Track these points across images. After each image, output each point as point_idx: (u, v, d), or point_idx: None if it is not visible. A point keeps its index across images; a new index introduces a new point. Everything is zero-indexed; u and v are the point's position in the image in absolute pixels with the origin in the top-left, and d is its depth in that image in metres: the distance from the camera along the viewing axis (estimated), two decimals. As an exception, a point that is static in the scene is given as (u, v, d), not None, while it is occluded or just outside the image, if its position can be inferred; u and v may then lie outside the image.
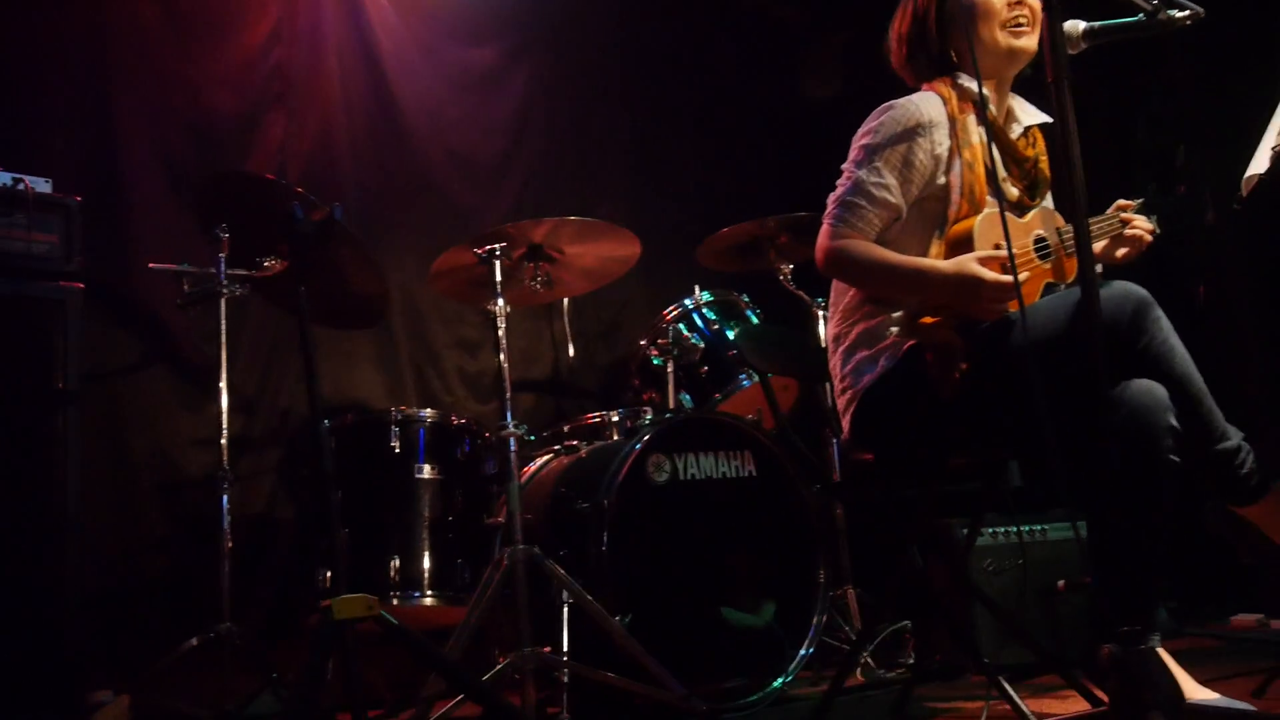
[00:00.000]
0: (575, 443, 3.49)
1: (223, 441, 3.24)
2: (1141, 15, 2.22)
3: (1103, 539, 2.19)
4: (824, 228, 2.54)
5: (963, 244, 2.43)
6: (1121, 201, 2.65)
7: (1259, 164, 2.42)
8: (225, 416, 3.25)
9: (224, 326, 3.25)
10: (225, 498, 3.19)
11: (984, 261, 2.35)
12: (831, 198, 2.58)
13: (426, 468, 3.47)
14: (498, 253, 3.07)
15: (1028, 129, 2.64)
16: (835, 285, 2.66)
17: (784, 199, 4.10)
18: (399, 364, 4.37)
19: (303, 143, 4.26)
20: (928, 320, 2.40)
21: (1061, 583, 3.37)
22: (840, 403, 2.58)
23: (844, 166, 2.60)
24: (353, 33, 4.47)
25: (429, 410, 3.56)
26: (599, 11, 5.14)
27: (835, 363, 2.60)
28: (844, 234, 2.49)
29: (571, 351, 4.29)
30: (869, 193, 2.49)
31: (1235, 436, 2.27)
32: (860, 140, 2.57)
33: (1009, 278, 2.33)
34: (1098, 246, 2.62)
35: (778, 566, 3.23)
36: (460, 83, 4.75)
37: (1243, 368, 4.00)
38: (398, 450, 3.42)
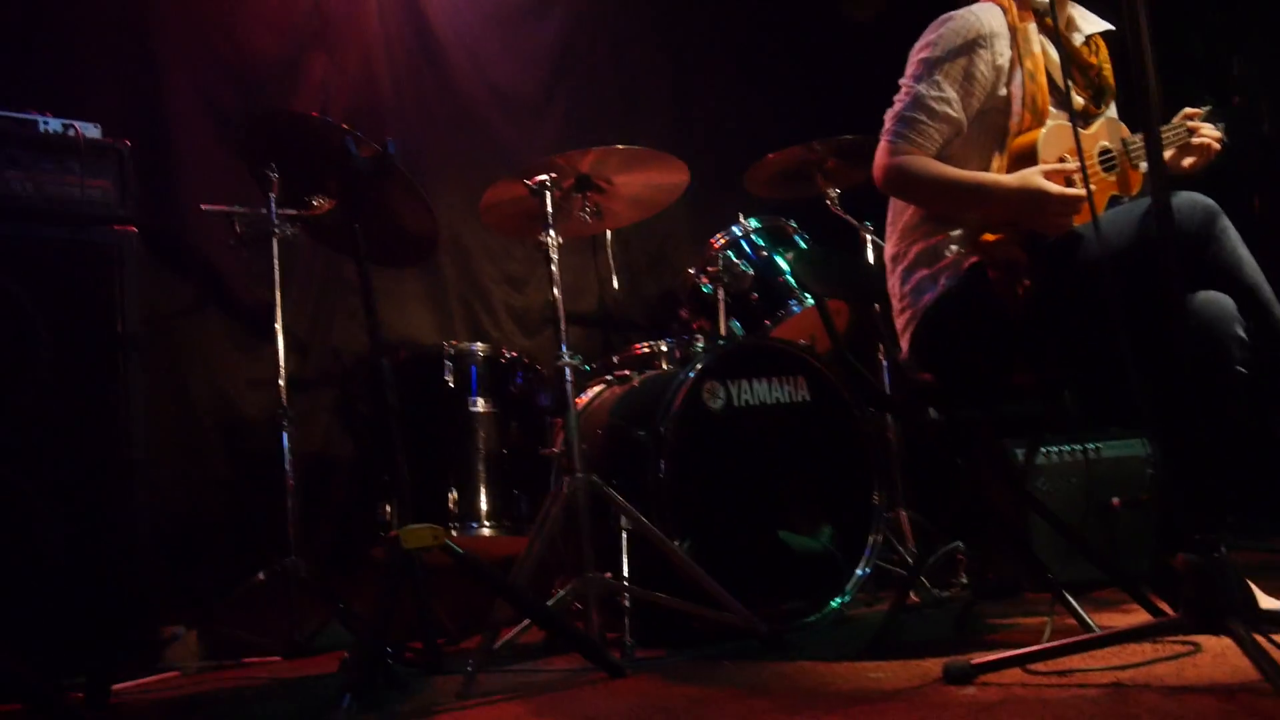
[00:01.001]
0: (627, 373, 3.49)
1: (280, 382, 3.27)
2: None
3: (1174, 450, 2.18)
4: (882, 144, 2.52)
5: (1026, 157, 2.40)
6: (1188, 110, 2.59)
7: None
8: (281, 356, 3.28)
9: (277, 266, 3.27)
10: (285, 436, 3.24)
11: (1049, 175, 2.32)
12: (889, 113, 2.54)
13: (480, 401, 3.50)
14: (548, 184, 3.05)
15: (1089, 37, 2.59)
16: (893, 204, 2.64)
17: (829, 123, 4.06)
18: (447, 300, 4.38)
19: (344, 82, 4.24)
20: (990, 237, 2.38)
21: (1117, 500, 3.36)
22: (899, 323, 2.57)
23: (902, 81, 2.56)
24: (389, -30, 4.42)
25: (481, 345, 3.58)
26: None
27: (894, 282, 2.58)
28: (904, 150, 2.46)
29: (616, 284, 4.28)
30: (929, 107, 2.46)
31: (1305, 344, 2.24)
32: (919, 54, 2.54)
33: (1075, 190, 2.30)
34: (1165, 155, 2.57)
35: (833, 490, 3.24)
36: (499, 16, 4.70)
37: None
38: (452, 385, 3.45)
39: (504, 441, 3.50)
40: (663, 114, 5.03)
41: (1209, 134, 2.56)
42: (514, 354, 3.59)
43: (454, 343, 3.53)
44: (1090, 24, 2.63)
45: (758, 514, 3.11)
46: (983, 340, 2.42)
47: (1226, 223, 2.25)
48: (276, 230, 3.22)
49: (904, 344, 2.56)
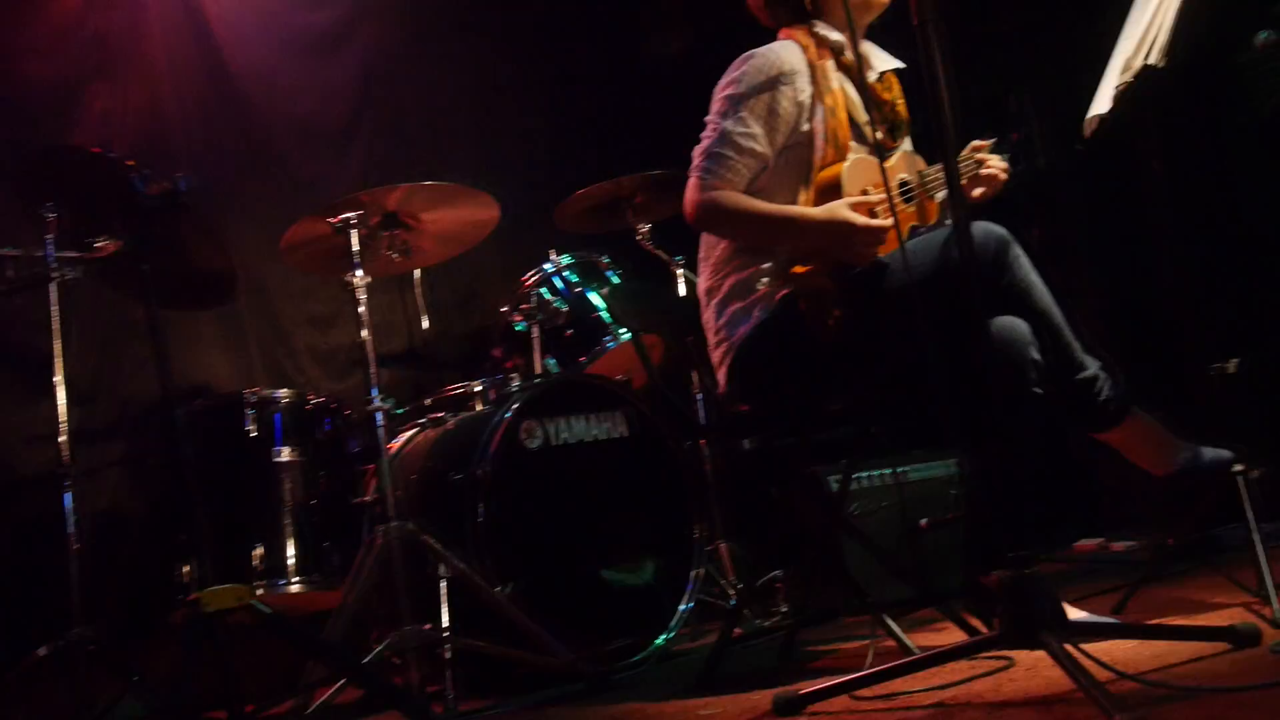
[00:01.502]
0: (441, 415, 3.40)
1: (61, 438, 3.02)
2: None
3: (982, 470, 2.26)
4: (691, 181, 2.53)
5: (831, 190, 2.45)
6: (976, 142, 2.70)
7: (1101, 104, 2.50)
8: (62, 409, 3.04)
9: (56, 313, 3.03)
10: (68, 496, 2.99)
11: (854, 206, 2.38)
12: (697, 150, 2.56)
13: (286, 450, 3.33)
14: (354, 221, 2.94)
15: (883, 74, 2.68)
16: (705, 239, 2.65)
17: (636, 158, 4.08)
18: (247, 345, 4.18)
19: (128, 114, 4.01)
20: (800, 269, 2.42)
21: (925, 521, 3.46)
22: (715, 356, 2.58)
23: (708, 118, 2.59)
24: (177, -2, 4.23)
25: (285, 390, 3.41)
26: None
27: (709, 316, 2.59)
28: (713, 185, 2.48)
29: (426, 324, 4.18)
30: (736, 142, 2.49)
31: (1093, 365, 2.36)
32: (723, 91, 2.57)
33: (879, 221, 2.36)
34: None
35: (655, 525, 3.22)
36: (297, 48, 4.55)
37: (1078, 306, 4.19)
38: (254, 434, 3.27)
39: (312, 491, 3.33)
40: (470, 150, 4.95)
41: (996, 165, 2.66)
42: (320, 399, 3.44)
43: (255, 389, 3.35)
44: (883, 61, 2.71)
45: (581, 553, 3.07)
46: (797, 370, 2.45)
47: (1019, 250, 2.35)
48: (55, 274, 2.98)
49: (721, 377, 2.57)
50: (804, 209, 2.45)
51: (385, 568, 2.73)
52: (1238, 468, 2.33)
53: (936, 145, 1.97)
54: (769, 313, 2.46)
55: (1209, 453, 2.39)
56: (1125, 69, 2.37)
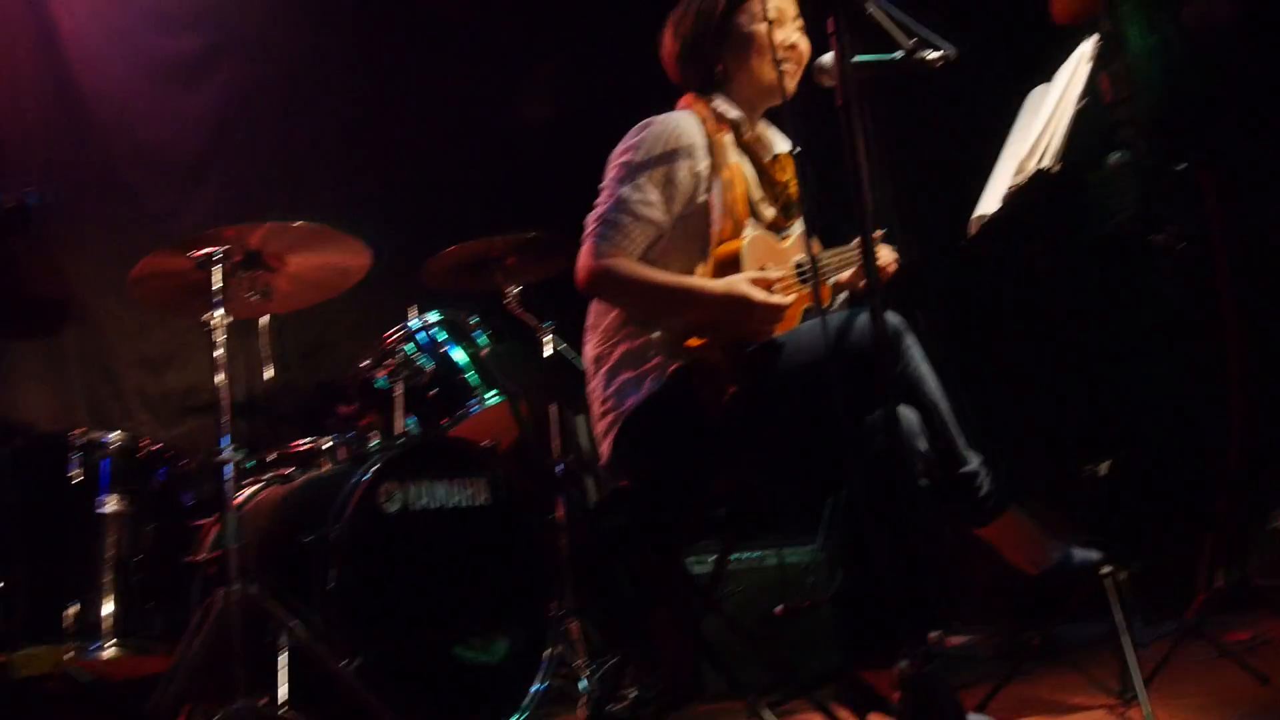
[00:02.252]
0: (287, 471, 3.18)
1: None
2: (900, 53, 2.28)
3: (861, 559, 2.23)
4: (585, 246, 2.45)
5: (730, 264, 2.41)
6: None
7: (989, 204, 2.56)
8: None
9: None
10: None
11: (754, 282, 2.34)
12: (592, 216, 2.49)
13: (112, 499, 3.05)
14: (217, 257, 2.75)
15: (776, 155, 2.67)
16: (595, 306, 2.58)
17: (502, 219, 3.98)
18: (69, 381, 3.87)
19: (-45, 123, 3.70)
20: (695, 342, 2.36)
21: (780, 607, 3.42)
22: (600, 426, 2.49)
23: (603, 185, 2.53)
24: (25, 6, 3.94)
25: (115, 434, 3.14)
26: (307, 13, 4.82)
27: (596, 384, 2.50)
28: (608, 252, 2.41)
29: (270, 372, 3.94)
30: (632, 209, 2.43)
31: (974, 460, 2.37)
32: (620, 157, 2.51)
33: (779, 299, 2.33)
34: (845, 275, 2.68)
35: (511, 599, 3.08)
36: (153, 74, 4.31)
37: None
38: (78, 479, 2.99)
39: (138, 546, 3.06)
40: (331, 192, 4.75)
41: (887, 256, 2.70)
42: (155, 445, 3.18)
43: (82, 430, 3.07)
44: (778, 143, 2.72)
45: (436, 626, 2.90)
46: (685, 445, 2.39)
47: (912, 340, 2.36)
48: None
49: (604, 448, 2.48)
50: (702, 281, 2.40)
51: (222, 634, 2.50)
52: (1106, 569, 2.37)
53: (859, 227, 1.95)
54: (660, 384, 2.39)
55: (1079, 553, 2.43)
56: (1018, 171, 2.43)
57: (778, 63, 2.52)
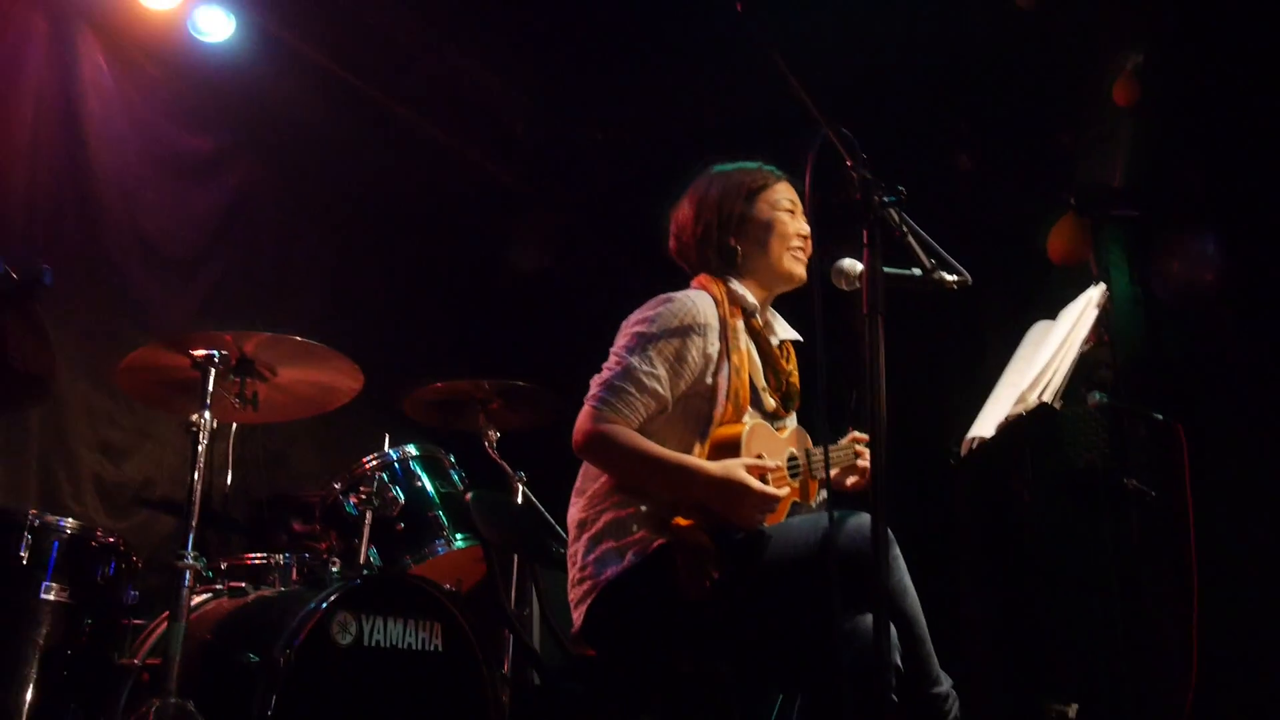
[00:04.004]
0: (241, 584, 3.10)
1: None
2: (918, 270, 2.36)
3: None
4: (586, 409, 2.46)
5: (729, 449, 2.43)
6: (856, 434, 2.77)
7: (983, 427, 2.61)
8: None
9: None
10: None
11: (750, 469, 2.36)
12: (597, 380, 2.50)
13: (54, 587, 2.93)
14: (216, 360, 2.73)
15: (782, 342, 2.72)
16: (585, 470, 2.56)
17: (484, 364, 4.01)
18: (25, 457, 3.76)
19: (-30, 182, 3.70)
20: (683, 521, 2.36)
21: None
22: (575, 592, 2.45)
23: (613, 350, 2.54)
24: (59, 84, 4.02)
25: (71, 521, 3.03)
26: (324, 132, 4.92)
27: (577, 549, 2.47)
28: (609, 417, 2.42)
29: (230, 479, 3.88)
30: (639, 380, 2.44)
31: (945, 683, 2.36)
32: (634, 327, 2.53)
33: (774, 490, 2.35)
34: (831, 473, 2.70)
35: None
36: (168, 166, 4.36)
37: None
38: (24, 561, 2.88)
39: (72, 639, 2.92)
40: (319, 307, 4.79)
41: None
42: (110, 538, 3.08)
43: (38, 512, 2.97)
44: (783, 330, 2.76)
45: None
46: (659, 624, 2.36)
47: (897, 551, 2.37)
48: None
49: (577, 615, 2.44)
50: (700, 461, 2.41)
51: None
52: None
53: (869, 429, 1.98)
54: (643, 559, 2.37)
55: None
56: (1019, 401, 2.50)
57: (790, 249, 2.61)
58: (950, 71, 4.62)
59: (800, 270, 2.66)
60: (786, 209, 2.67)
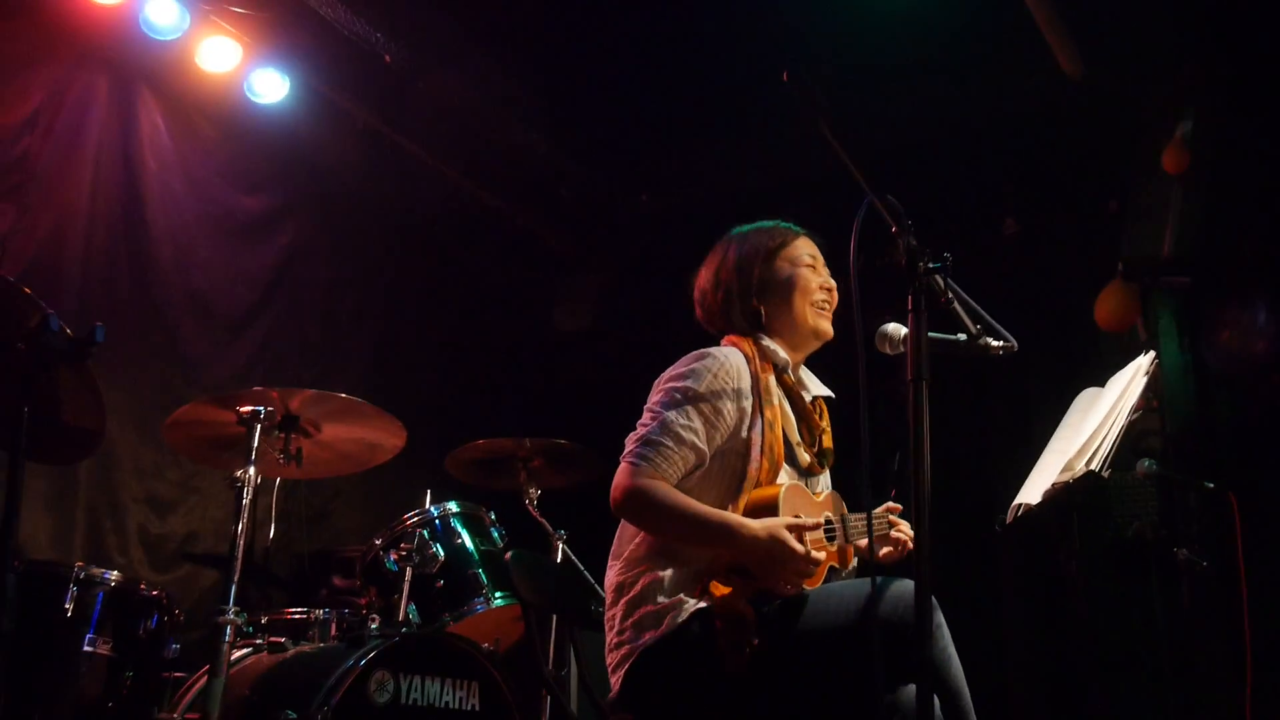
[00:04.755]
0: (281, 640, 3.10)
1: None
2: (964, 335, 2.34)
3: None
4: (624, 466, 2.44)
5: (766, 509, 2.40)
6: (891, 504, 2.73)
7: (1030, 494, 2.58)
8: None
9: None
10: None
11: (790, 528, 2.33)
12: (633, 437, 2.48)
13: (98, 640, 2.95)
14: (261, 416, 2.77)
15: (815, 399, 2.70)
16: (622, 532, 2.53)
17: (531, 423, 4.02)
18: (73, 510, 3.81)
19: (29, 242, 3.79)
20: (721, 589, 2.33)
21: None
22: (613, 657, 2.42)
23: (648, 406, 2.52)
24: (119, 144, 4.13)
25: (115, 573, 3.06)
26: (373, 192, 5.03)
27: (615, 614, 2.44)
28: (648, 473, 2.39)
29: (272, 534, 3.90)
30: (677, 434, 2.42)
31: (988, 757, 2.31)
32: (669, 382, 2.52)
33: (816, 553, 2.32)
34: (862, 543, 2.65)
35: (481, 816, 2.95)
36: (221, 225, 4.45)
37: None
38: (69, 613, 2.91)
39: (113, 692, 2.93)
40: (362, 368, 4.85)
41: (906, 531, 2.67)
42: (154, 592, 3.10)
43: (83, 564, 3.00)
44: (816, 387, 2.74)
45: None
46: (698, 693, 2.32)
47: (941, 619, 2.32)
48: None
49: (615, 681, 2.40)
50: (743, 519, 2.38)
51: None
52: None
53: (911, 496, 1.96)
54: (681, 625, 2.35)
55: None
56: (1066, 469, 2.47)
57: (814, 304, 2.60)
58: (999, 138, 4.63)
59: (825, 324, 2.64)
60: (807, 264, 2.65)
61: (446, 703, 2.93)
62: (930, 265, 2.07)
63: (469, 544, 3.42)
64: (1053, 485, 2.49)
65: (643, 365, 2.60)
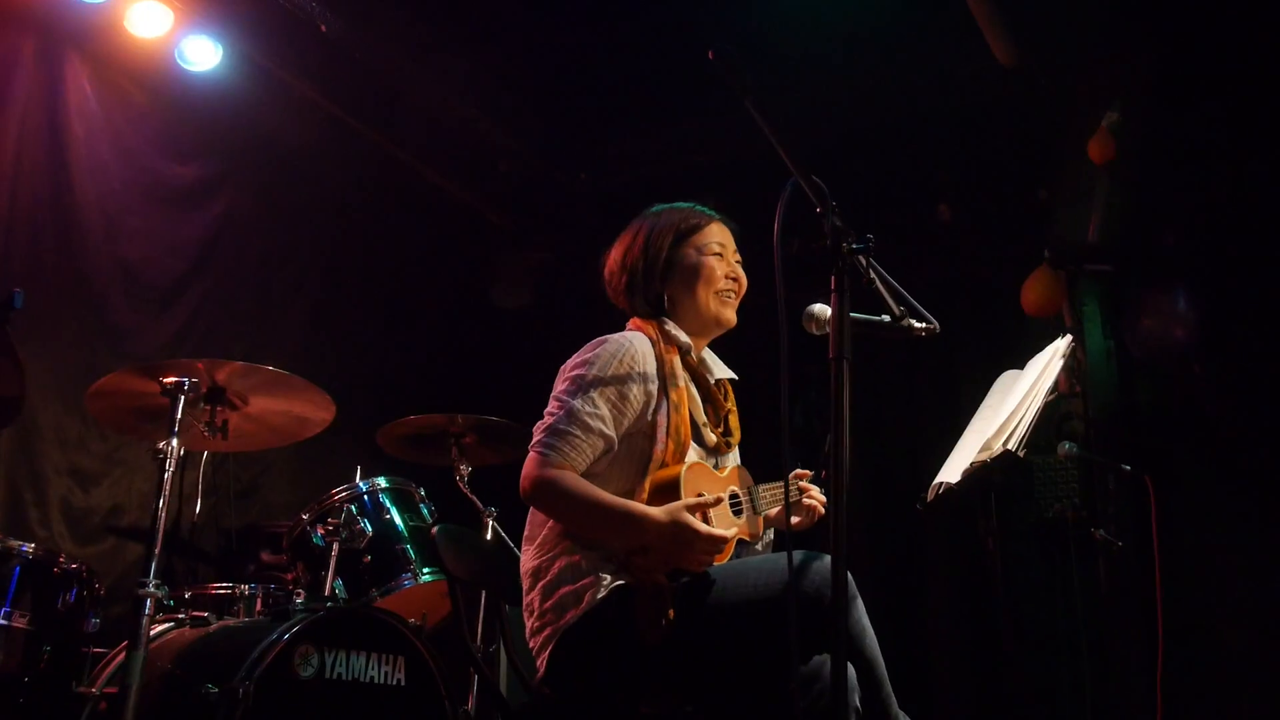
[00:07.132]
0: (204, 614, 3.07)
1: None
2: (887, 316, 2.37)
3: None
4: (532, 456, 2.44)
5: (668, 490, 2.41)
6: (799, 471, 2.76)
7: (950, 473, 2.62)
8: None
9: None
10: None
11: (691, 509, 2.35)
12: (540, 426, 2.48)
13: (12, 614, 2.90)
14: (186, 388, 2.73)
15: (719, 380, 2.73)
16: (533, 517, 2.53)
17: (467, 400, 4.01)
18: (-9, 479, 3.74)
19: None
20: (640, 561, 2.36)
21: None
22: (535, 641, 2.43)
23: (554, 395, 2.52)
24: (44, 105, 4.03)
25: (32, 545, 3.01)
26: (308, 164, 4.96)
27: (533, 599, 2.45)
28: (556, 463, 2.40)
29: (199, 508, 3.86)
30: (584, 422, 2.42)
31: (905, 723, 2.36)
32: (573, 370, 2.52)
33: (721, 531, 2.35)
34: (773, 511, 2.69)
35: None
36: (152, 194, 4.36)
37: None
38: (-17, 585, 2.86)
39: (29, 667, 2.89)
40: (294, 340, 4.79)
41: (816, 497, 2.71)
42: (74, 564, 3.05)
43: (2, 536, 2.95)
44: (719, 369, 2.76)
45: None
46: (620, 667, 2.35)
47: (856, 593, 2.36)
48: None
49: (541, 663, 2.42)
50: (646, 507, 2.38)
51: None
52: None
53: (831, 472, 1.99)
54: (600, 602, 2.36)
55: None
56: (984, 448, 2.51)
57: (717, 291, 2.62)
58: (930, 125, 4.69)
59: (729, 313, 2.66)
60: (715, 251, 2.66)
61: (372, 677, 2.92)
62: (853, 246, 2.09)
63: (398, 520, 3.41)
64: (971, 464, 2.53)
65: (579, 344, 2.60)
